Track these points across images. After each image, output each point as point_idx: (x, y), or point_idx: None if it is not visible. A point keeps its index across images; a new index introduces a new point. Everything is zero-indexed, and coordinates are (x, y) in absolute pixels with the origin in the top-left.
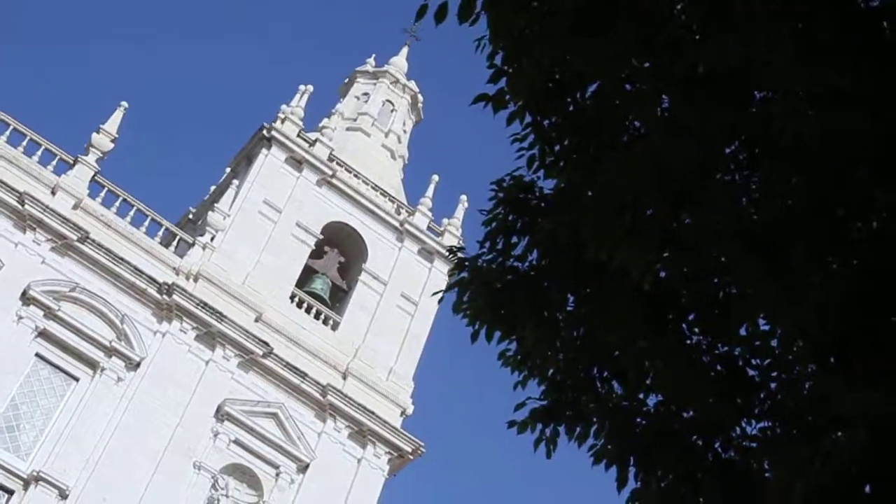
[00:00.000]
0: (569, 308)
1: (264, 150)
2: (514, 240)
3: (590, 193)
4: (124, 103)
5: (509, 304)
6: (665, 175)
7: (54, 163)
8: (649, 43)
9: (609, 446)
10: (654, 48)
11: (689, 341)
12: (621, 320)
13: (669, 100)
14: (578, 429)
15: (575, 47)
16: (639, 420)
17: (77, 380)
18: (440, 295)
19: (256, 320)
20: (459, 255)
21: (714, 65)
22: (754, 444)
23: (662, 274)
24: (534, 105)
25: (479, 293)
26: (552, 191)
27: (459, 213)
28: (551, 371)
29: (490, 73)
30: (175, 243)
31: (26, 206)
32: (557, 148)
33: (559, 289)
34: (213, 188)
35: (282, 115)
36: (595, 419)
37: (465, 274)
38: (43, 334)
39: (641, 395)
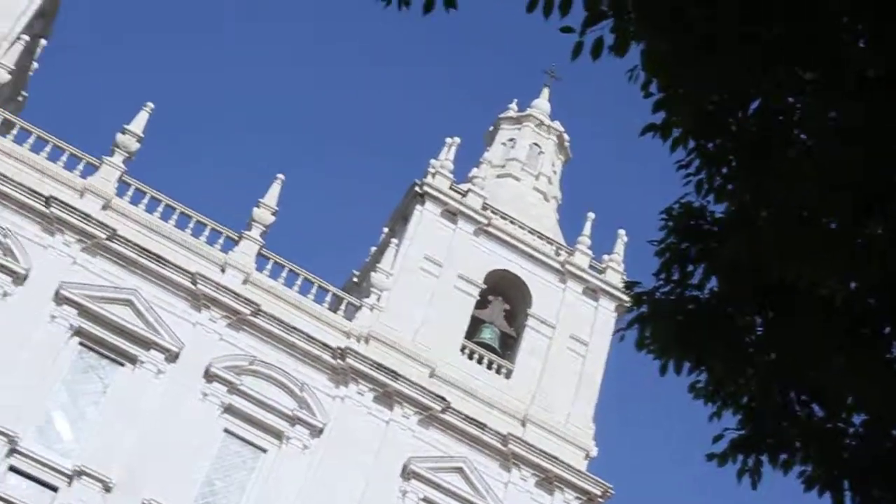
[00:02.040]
0: (757, 332)
1: (419, 207)
2: (690, 268)
3: (764, 214)
4: (281, 175)
5: (696, 334)
6: (845, 186)
7: (221, 241)
8: (809, 51)
9: (820, 471)
10: (815, 56)
11: (888, 355)
12: (815, 340)
13: (839, 108)
14: (783, 456)
15: (729, 66)
16: (848, 442)
17: (265, 451)
18: (622, 338)
19: (431, 375)
20: (636, 289)
21: (887, 67)
22: None
23: (853, 286)
24: (697, 129)
25: (664, 326)
26: (724, 214)
27: (619, 248)
28: (745, 399)
29: (646, 102)
30: (343, 307)
31: (199, 286)
32: (725, 170)
33: (745, 314)
34: (373, 249)
35: (432, 170)
36: (799, 444)
37: (644, 308)
38: (229, 409)
39: (844, 415)
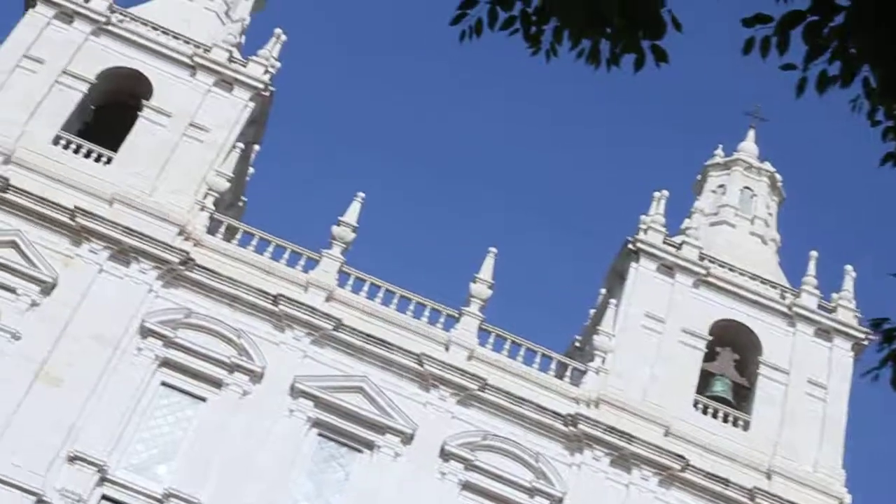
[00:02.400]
0: None
1: (634, 264)
2: None
3: None
4: (493, 249)
5: None
6: None
7: (442, 319)
8: None
9: None
10: None
11: None
12: None
13: None
14: None
15: None
16: None
17: None
18: (873, 373)
19: (666, 434)
20: (884, 326)
21: None
22: None
23: None
24: None
25: None
26: None
27: (848, 285)
28: None
29: (853, 133)
30: (569, 373)
31: (426, 366)
32: None
33: None
34: (592, 312)
35: (643, 226)
36: None
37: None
38: (467, 486)
39: None
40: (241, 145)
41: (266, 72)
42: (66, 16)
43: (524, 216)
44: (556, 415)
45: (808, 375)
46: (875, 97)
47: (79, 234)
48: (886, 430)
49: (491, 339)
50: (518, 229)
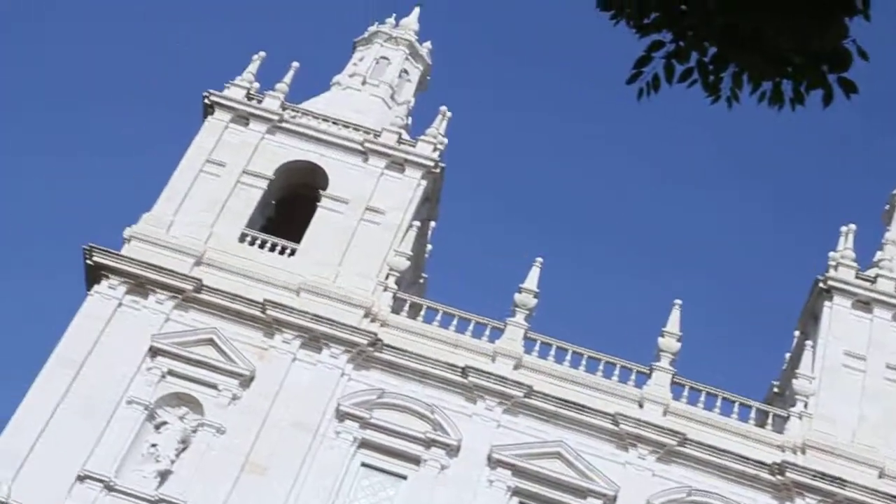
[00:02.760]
0: None
1: (827, 303)
2: None
3: None
4: (678, 301)
5: None
6: None
7: (633, 377)
8: None
9: None
10: None
11: None
12: None
13: None
14: None
15: None
16: None
17: None
18: None
19: (880, 476)
20: None
21: None
22: None
23: None
24: None
25: None
26: None
27: None
28: None
29: None
30: (770, 421)
31: (622, 426)
32: None
33: None
34: (787, 356)
35: (833, 262)
36: None
37: None
38: None
39: None
40: (418, 223)
41: (435, 149)
42: (242, 118)
43: (706, 267)
44: (762, 464)
45: None
46: None
47: (271, 326)
48: None
49: (685, 393)
50: (701, 282)
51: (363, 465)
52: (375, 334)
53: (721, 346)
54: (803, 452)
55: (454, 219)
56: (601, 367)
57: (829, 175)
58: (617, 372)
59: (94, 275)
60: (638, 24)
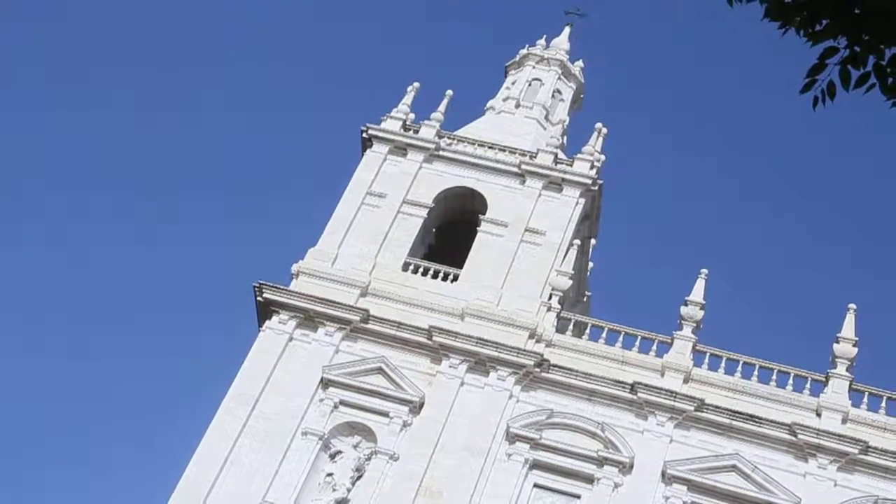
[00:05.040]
0: None
1: None
2: None
3: None
4: (853, 305)
5: None
6: None
7: (809, 385)
8: None
9: None
10: None
11: None
12: None
13: None
14: None
15: None
16: None
17: None
18: None
19: None
20: None
21: None
22: None
23: None
24: None
25: None
26: None
27: None
28: None
29: None
30: None
31: (799, 436)
32: None
33: None
34: None
35: None
36: None
37: None
38: None
39: None
40: (578, 242)
41: (592, 167)
42: (400, 150)
43: (882, 268)
44: None
45: None
46: None
47: (437, 352)
48: None
49: (865, 400)
50: (876, 282)
51: (536, 486)
52: (541, 355)
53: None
54: None
55: (614, 235)
56: (774, 377)
57: None
58: (791, 381)
59: (265, 311)
60: (809, 32)
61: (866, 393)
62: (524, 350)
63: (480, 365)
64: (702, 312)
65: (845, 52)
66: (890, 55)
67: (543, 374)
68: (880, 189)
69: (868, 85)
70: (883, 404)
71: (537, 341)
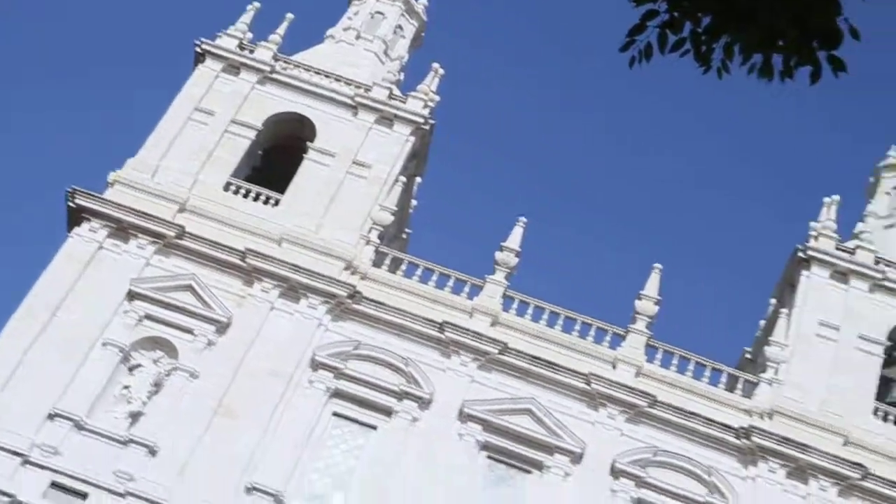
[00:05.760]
0: None
1: (805, 272)
2: None
3: None
4: (658, 266)
5: None
6: None
7: (608, 338)
8: None
9: None
10: None
11: None
12: None
13: None
14: None
15: None
16: None
17: None
18: None
19: (845, 444)
20: None
21: None
22: None
23: None
24: None
25: None
26: None
27: None
28: None
29: None
30: (740, 386)
31: (593, 385)
32: None
33: None
34: (762, 323)
35: (814, 233)
36: None
37: None
38: (639, 503)
39: None
40: (404, 179)
41: (425, 106)
42: (234, 68)
43: (689, 232)
44: (728, 428)
45: None
46: None
47: (250, 275)
48: None
49: (659, 356)
50: (682, 245)
51: (335, 414)
52: (354, 287)
53: (697, 312)
54: (770, 418)
55: (441, 176)
56: (577, 328)
57: (816, 146)
58: (592, 332)
59: (76, 217)
60: None
61: (661, 350)
62: (337, 280)
63: (292, 291)
64: (516, 259)
65: (665, 17)
66: (706, 23)
67: (355, 306)
68: (697, 148)
69: (683, 50)
70: (675, 361)
71: (352, 273)
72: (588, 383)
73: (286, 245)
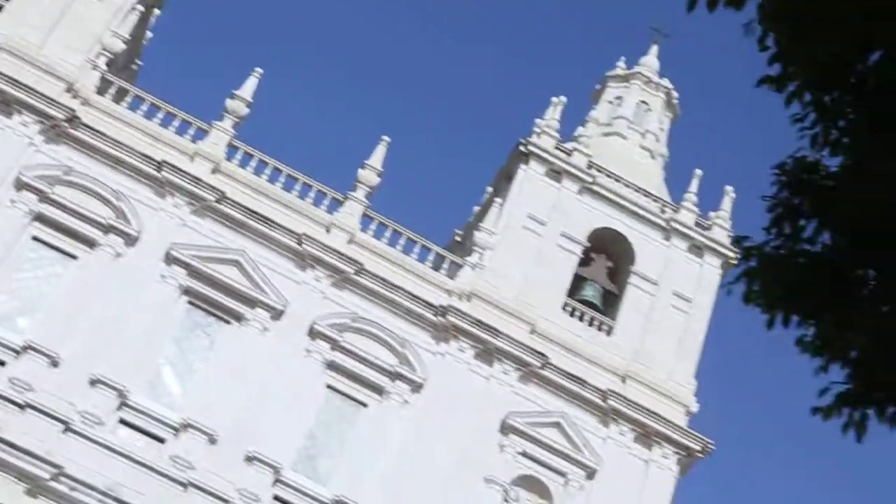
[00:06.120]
0: (870, 285)
1: (523, 166)
2: (802, 223)
3: (882, 167)
4: (386, 138)
5: (806, 287)
6: None
7: (326, 202)
8: None
9: None
10: None
11: None
12: None
13: None
14: (891, 409)
15: (867, 32)
16: None
17: (366, 406)
18: (728, 292)
19: (531, 332)
20: (745, 243)
21: None
22: None
23: None
24: (815, 81)
25: (774, 279)
26: (839, 168)
27: (726, 205)
28: (854, 353)
29: (762, 56)
30: (446, 266)
31: (305, 246)
32: (842, 124)
33: (858, 267)
34: (476, 209)
35: (537, 130)
36: None
37: (753, 262)
38: (331, 366)
39: None
40: (141, 7)
41: None
42: None
43: (421, 109)
44: (428, 304)
45: (676, 288)
46: (768, 22)
47: None
48: (739, 347)
49: (373, 226)
50: (412, 121)
51: (34, 238)
52: (74, 111)
53: (419, 189)
54: (468, 300)
55: (181, 12)
56: (297, 187)
57: (552, 47)
58: (312, 194)
59: None
60: None
61: (376, 221)
62: (56, 101)
63: (5, 105)
64: (247, 110)
65: None
66: None
67: (71, 131)
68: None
69: None
70: (387, 234)
71: (74, 96)
72: (300, 243)
73: (4, 55)
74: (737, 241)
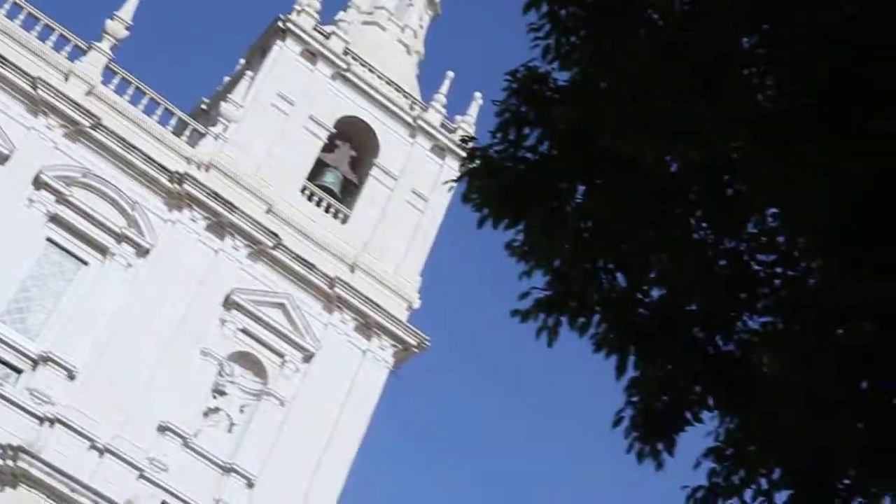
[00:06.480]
0: (577, 199)
1: (279, 42)
2: (527, 131)
3: (604, 84)
4: None
5: (518, 192)
6: (680, 66)
7: (68, 48)
8: None
9: (610, 335)
10: None
11: (696, 235)
12: (629, 212)
13: None
14: (581, 319)
15: None
16: (641, 311)
17: (87, 264)
18: (450, 189)
19: (267, 212)
20: (471, 145)
21: None
22: (756, 339)
23: (673, 168)
24: None
25: (489, 182)
26: (567, 82)
27: (473, 110)
28: (557, 262)
29: None
30: (187, 133)
31: (39, 91)
32: (574, 39)
33: (569, 179)
34: (226, 79)
35: (298, 8)
36: (598, 309)
37: (476, 164)
38: (54, 219)
39: (645, 288)
40: None
41: None
42: None
43: None
44: (164, 169)
45: (414, 186)
46: None
47: None
48: (465, 248)
49: (115, 80)
50: None
51: None
52: None
53: (171, 50)
54: (207, 171)
55: None
56: (38, 28)
57: None
58: (54, 38)
59: None
60: None
61: (119, 76)
62: None
63: None
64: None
65: None
66: None
67: None
68: None
69: None
70: (130, 91)
71: None
72: (34, 87)
73: None
74: (464, 140)
